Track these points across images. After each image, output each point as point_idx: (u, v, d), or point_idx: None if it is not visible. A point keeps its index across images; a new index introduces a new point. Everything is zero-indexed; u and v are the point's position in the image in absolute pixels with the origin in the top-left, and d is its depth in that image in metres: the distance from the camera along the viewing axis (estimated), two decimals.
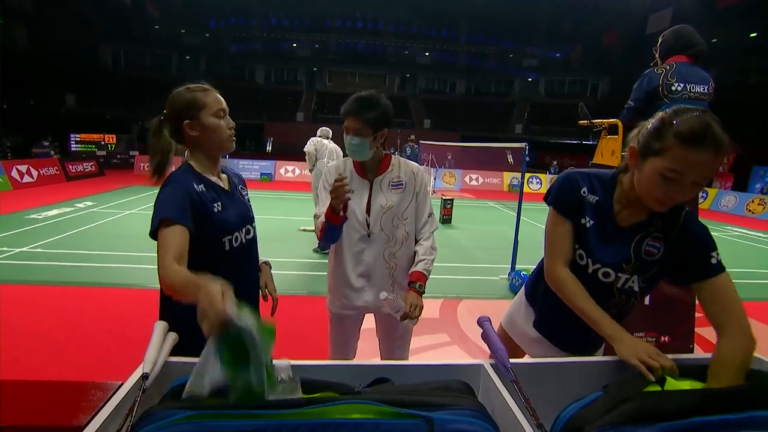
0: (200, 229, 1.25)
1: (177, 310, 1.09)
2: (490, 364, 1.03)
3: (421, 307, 1.61)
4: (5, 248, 5.28)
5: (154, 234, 1.19)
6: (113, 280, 4.37)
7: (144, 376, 0.92)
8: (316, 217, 1.70)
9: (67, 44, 23.11)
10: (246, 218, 1.44)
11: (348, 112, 1.61)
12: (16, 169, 10.70)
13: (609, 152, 2.67)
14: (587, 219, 1.20)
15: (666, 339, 2.47)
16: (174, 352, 1.03)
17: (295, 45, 30.45)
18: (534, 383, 0.99)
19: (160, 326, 1.08)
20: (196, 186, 1.28)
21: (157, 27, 27.30)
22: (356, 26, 29.87)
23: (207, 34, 29.05)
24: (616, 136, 2.57)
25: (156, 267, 1.14)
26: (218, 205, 1.32)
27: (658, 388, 0.90)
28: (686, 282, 1.11)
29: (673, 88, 2.23)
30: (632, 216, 1.16)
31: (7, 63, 19.09)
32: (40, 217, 7.23)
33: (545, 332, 1.41)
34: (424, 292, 1.67)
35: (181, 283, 1.06)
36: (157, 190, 1.28)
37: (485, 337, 1.14)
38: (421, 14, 28.44)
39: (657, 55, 2.44)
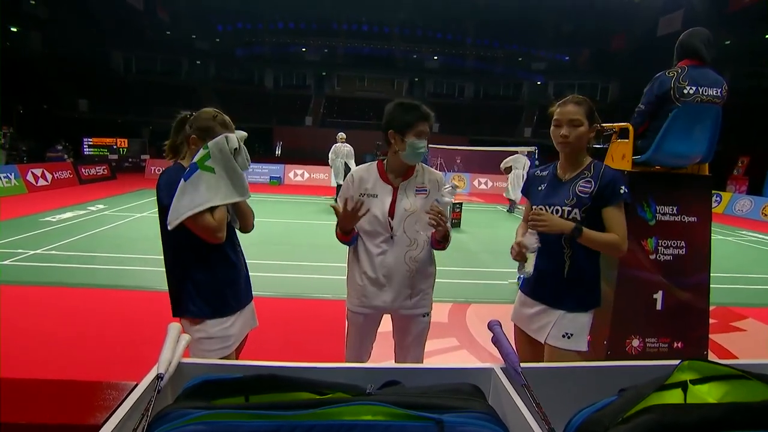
0: None
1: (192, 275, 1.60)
2: (501, 368, 1.03)
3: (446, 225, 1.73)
4: (21, 250, 5.38)
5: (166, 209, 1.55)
6: (125, 282, 4.43)
7: (159, 377, 0.94)
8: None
9: (81, 50, 23.48)
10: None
11: (425, 117, 1.73)
12: (32, 172, 10.90)
13: (620, 156, 2.64)
14: (541, 186, 1.77)
15: (679, 345, 2.43)
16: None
17: (304, 49, 30.62)
18: (545, 388, 0.99)
19: (173, 328, 1.10)
20: None
21: (168, 32, 27.66)
22: (364, 30, 29.97)
23: (217, 39, 29.33)
24: (627, 140, 2.55)
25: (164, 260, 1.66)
26: None
27: (680, 393, 0.88)
28: (602, 206, 1.62)
29: (685, 92, 2.22)
30: (570, 172, 1.71)
31: (22, 69, 19.48)
32: (54, 219, 7.36)
33: (524, 285, 1.83)
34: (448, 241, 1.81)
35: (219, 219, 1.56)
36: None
37: (495, 341, 1.14)
38: (430, 18, 28.47)
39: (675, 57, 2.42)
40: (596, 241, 1.59)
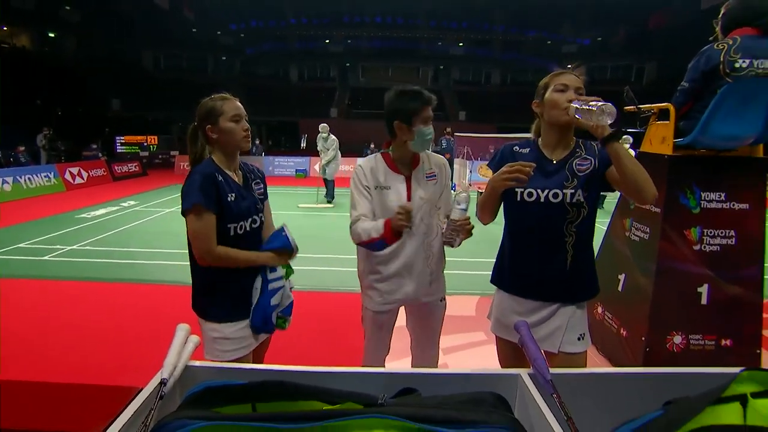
0: (216, 211, 1.51)
1: (208, 275, 1.55)
2: (528, 375, 0.94)
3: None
4: (58, 246, 5.61)
5: (185, 213, 1.49)
6: (154, 276, 4.53)
7: (162, 382, 0.90)
8: (353, 220, 1.71)
9: (113, 51, 24.32)
10: (253, 210, 1.64)
11: (428, 101, 1.67)
12: (69, 171, 11.40)
13: (659, 139, 2.45)
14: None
15: (728, 342, 2.25)
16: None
17: (327, 41, 30.67)
18: (578, 397, 0.90)
19: (182, 330, 1.06)
20: (217, 175, 1.53)
21: (194, 30, 28.24)
22: (387, 21, 29.70)
23: (241, 35, 29.76)
24: (667, 122, 2.35)
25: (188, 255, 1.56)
26: (232, 196, 1.54)
27: (738, 409, 0.77)
28: (604, 170, 1.44)
29: (737, 65, 2.00)
30: (561, 152, 1.52)
31: (60, 72, 20.35)
32: (89, 216, 7.66)
33: (515, 284, 1.57)
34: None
35: (233, 260, 1.54)
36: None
37: (522, 343, 1.05)
38: (454, 5, 27.89)
39: (718, 29, 2.19)
40: (630, 157, 1.34)
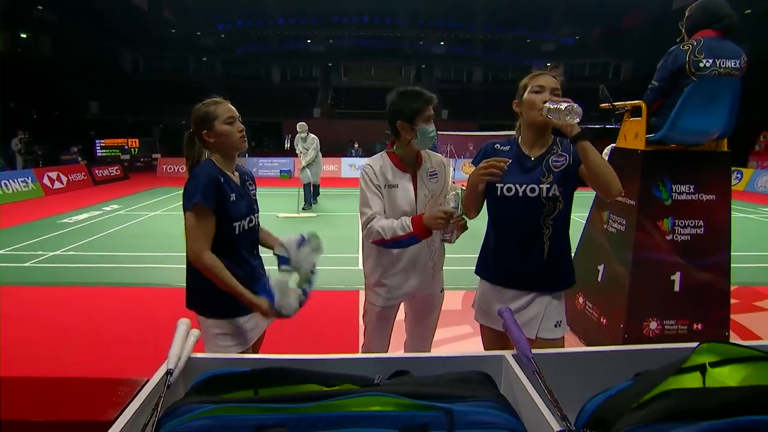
0: (218, 211, 1.54)
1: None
2: (512, 355, 1.01)
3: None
4: (40, 252, 5.50)
5: (186, 211, 1.50)
6: (141, 280, 4.50)
7: (168, 372, 0.95)
8: (368, 219, 1.71)
9: (90, 52, 23.74)
10: (251, 210, 1.69)
11: (430, 101, 1.72)
12: (47, 176, 11.11)
13: (632, 135, 2.57)
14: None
15: (699, 326, 2.38)
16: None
17: (309, 41, 30.49)
18: (558, 374, 0.97)
19: (183, 324, 1.10)
20: (220, 176, 1.57)
21: (174, 30, 27.76)
22: (371, 20, 29.67)
23: (222, 35, 29.36)
24: (640, 118, 2.47)
25: (185, 255, 1.54)
26: (233, 196, 1.58)
27: (698, 377, 0.85)
28: (577, 166, 1.52)
29: (701, 65, 2.12)
30: (538, 149, 1.60)
31: (34, 74, 19.79)
32: (70, 221, 7.50)
33: (498, 276, 1.66)
34: None
35: (218, 276, 1.50)
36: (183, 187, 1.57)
37: (506, 327, 1.12)
38: (435, 5, 28.03)
39: (683, 31, 2.32)
40: (597, 154, 1.43)
